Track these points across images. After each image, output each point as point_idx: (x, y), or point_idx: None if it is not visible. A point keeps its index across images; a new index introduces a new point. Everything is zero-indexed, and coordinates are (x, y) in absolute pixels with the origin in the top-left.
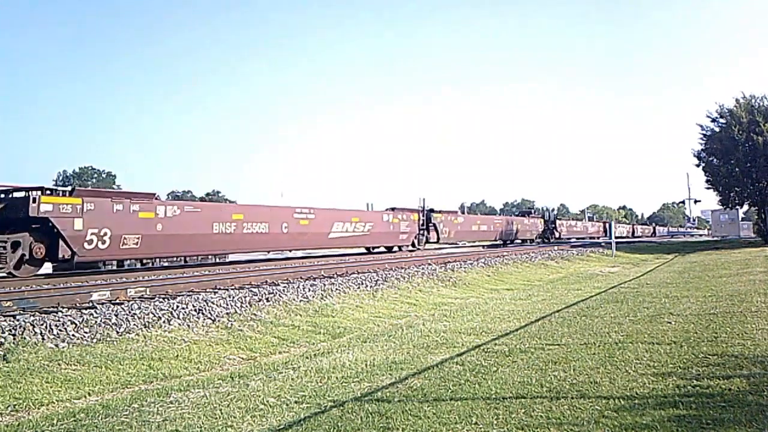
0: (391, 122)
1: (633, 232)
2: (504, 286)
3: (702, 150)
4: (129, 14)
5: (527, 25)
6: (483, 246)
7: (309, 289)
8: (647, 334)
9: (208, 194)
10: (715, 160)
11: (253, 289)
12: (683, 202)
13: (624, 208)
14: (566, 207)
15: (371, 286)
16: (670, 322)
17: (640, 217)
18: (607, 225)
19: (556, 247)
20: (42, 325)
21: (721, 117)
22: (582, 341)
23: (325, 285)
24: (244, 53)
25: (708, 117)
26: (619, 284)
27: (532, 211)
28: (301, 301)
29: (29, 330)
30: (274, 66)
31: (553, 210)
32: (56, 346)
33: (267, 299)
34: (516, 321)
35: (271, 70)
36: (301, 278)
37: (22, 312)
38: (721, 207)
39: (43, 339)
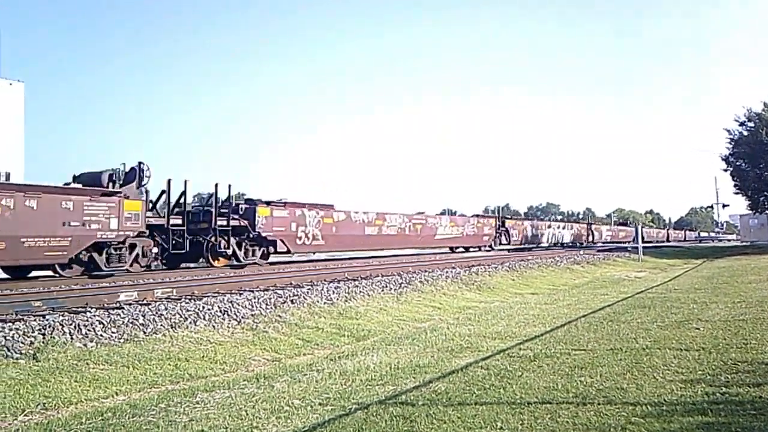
0: (414, 124)
1: (667, 237)
2: (529, 290)
3: (730, 154)
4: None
5: (547, 24)
6: (508, 250)
7: (333, 292)
8: (675, 340)
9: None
10: (743, 164)
11: (277, 291)
12: (711, 206)
13: (651, 212)
14: (592, 211)
15: (395, 289)
16: (698, 328)
17: (667, 222)
18: (636, 229)
19: (582, 251)
20: (71, 324)
21: (749, 120)
22: (609, 347)
23: (349, 287)
24: (266, 55)
25: (736, 121)
26: (647, 289)
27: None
28: (325, 303)
29: (58, 330)
30: (296, 68)
31: (578, 214)
32: (85, 345)
33: (291, 301)
34: (541, 325)
35: (292, 71)
36: (324, 281)
37: (51, 312)
38: (750, 211)
39: (71, 339)
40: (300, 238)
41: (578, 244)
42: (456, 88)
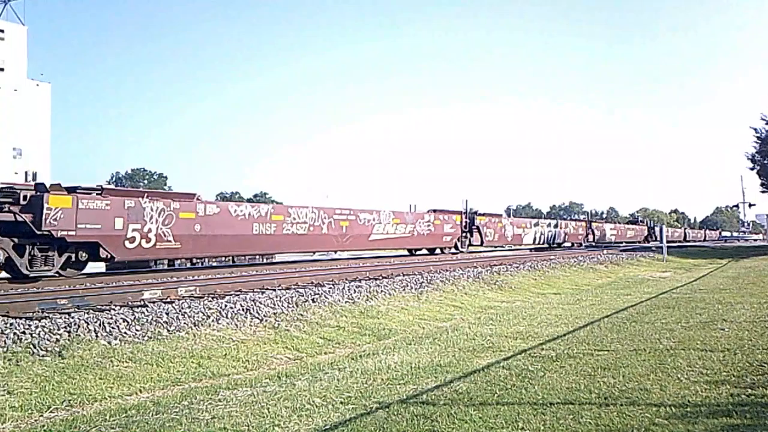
0: (437, 124)
1: (684, 237)
2: (551, 290)
3: (756, 152)
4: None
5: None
6: (530, 249)
7: (354, 291)
8: (700, 341)
9: (255, 195)
10: None
11: (299, 290)
12: (737, 205)
13: (676, 211)
14: (615, 210)
15: (416, 289)
16: (723, 329)
17: (692, 221)
18: (657, 228)
19: (605, 251)
20: (95, 322)
21: None
22: (632, 347)
23: (370, 287)
24: (264, 56)
25: (762, 119)
26: (671, 290)
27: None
28: (346, 302)
29: (83, 327)
30: (297, 68)
31: (601, 213)
32: (109, 343)
33: (313, 300)
34: (564, 326)
35: (293, 72)
36: (346, 279)
37: (76, 309)
38: None
39: (96, 336)
40: (132, 240)
41: (575, 245)
42: (480, 89)
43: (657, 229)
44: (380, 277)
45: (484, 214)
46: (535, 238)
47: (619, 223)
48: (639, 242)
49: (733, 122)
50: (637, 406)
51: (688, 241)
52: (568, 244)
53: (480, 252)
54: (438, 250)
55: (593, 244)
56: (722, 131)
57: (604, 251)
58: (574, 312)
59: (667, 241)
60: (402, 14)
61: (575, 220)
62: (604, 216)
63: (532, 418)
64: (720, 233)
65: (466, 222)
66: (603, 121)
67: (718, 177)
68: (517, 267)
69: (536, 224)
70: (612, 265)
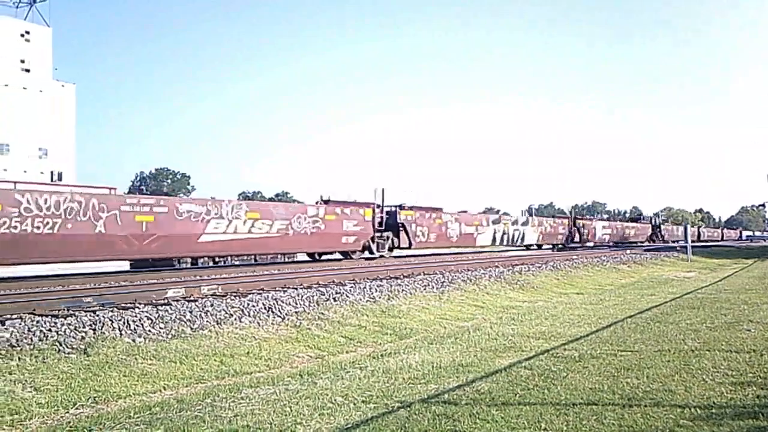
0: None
1: (698, 236)
2: (574, 290)
3: None
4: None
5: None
6: (552, 249)
7: (375, 290)
8: (725, 342)
9: (277, 194)
10: None
11: (320, 289)
12: (763, 204)
13: (701, 211)
14: (639, 209)
15: (437, 288)
16: (749, 330)
17: (717, 221)
18: (685, 227)
19: (628, 251)
20: (120, 320)
21: None
22: (656, 348)
23: (391, 286)
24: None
25: None
26: (695, 290)
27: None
28: (367, 301)
29: (108, 325)
30: (299, 68)
31: (624, 212)
32: (133, 341)
33: (334, 299)
34: (587, 326)
35: (295, 72)
36: (367, 279)
37: (101, 307)
38: None
39: (120, 334)
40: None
41: (555, 247)
42: (503, 86)
43: (668, 228)
44: (401, 276)
45: (413, 208)
46: (494, 239)
47: (616, 220)
48: (641, 243)
49: (761, 121)
50: (662, 407)
51: (702, 241)
52: (549, 247)
53: (414, 255)
54: (338, 255)
55: (580, 244)
56: (749, 130)
57: (627, 251)
58: (597, 312)
59: (673, 240)
60: (402, 14)
61: (559, 216)
62: (627, 215)
63: (554, 418)
64: (740, 232)
65: (381, 218)
66: (627, 120)
67: (745, 177)
68: (539, 267)
69: (496, 221)
70: (635, 265)
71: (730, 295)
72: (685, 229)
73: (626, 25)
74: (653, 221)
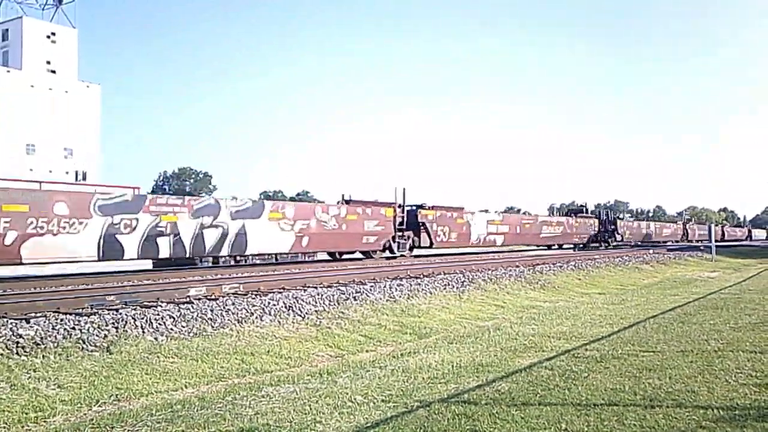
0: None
1: (722, 235)
2: (596, 290)
3: None
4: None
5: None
6: (573, 249)
7: (395, 289)
8: (749, 343)
9: (298, 194)
10: None
11: (340, 288)
12: None
13: (725, 210)
14: (662, 209)
15: (457, 287)
16: None
17: (742, 220)
18: (709, 226)
19: (651, 251)
20: (142, 318)
21: None
22: (679, 348)
23: (411, 285)
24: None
25: None
26: (719, 290)
27: (583, 210)
28: (387, 300)
29: (130, 323)
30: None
31: (647, 211)
32: (155, 339)
33: (354, 298)
34: (608, 326)
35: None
36: (387, 278)
37: (124, 306)
38: None
39: (143, 332)
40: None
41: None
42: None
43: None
44: (421, 276)
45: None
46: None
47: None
48: (575, 241)
49: None
50: (684, 408)
51: (725, 240)
52: (568, 245)
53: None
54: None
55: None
56: None
57: (650, 251)
58: (619, 312)
59: (663, 240)
60: (403, 15)
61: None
62: (650, 214)
63: (575, 419)
64: (749, 231)
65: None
66: (645, 118)
67: None
68: (560, 266)
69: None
70: (659, 265)
71: (755, 296)
72: (709, 228)
73: (645, 23)
74: (607, 216)
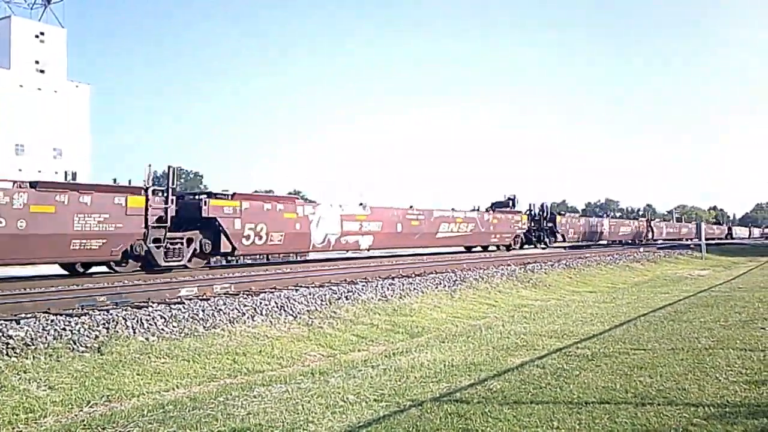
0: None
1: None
2: (586, 288)
3: None
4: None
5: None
6: (564, 247)
7: (387, 289)
8: (739, 340)
9: (289, 193)
10: None
11: (332, 288)
12: None
13: (714, 208)
14: (653, 207)
15: (449, 287)
16: (764, 328)
17: (731, 218)
18: (698, 225)
19: (642, 249)
20: (133, 319)
21: None
22: (669, 346)
23: (403, 284)
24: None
25: None
26: (710, 288)
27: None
28: (379, 300)
29: (121, 324)
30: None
31: (637, 210)
32: (146, 339)
33: (346, 297)
34: (599, 324)
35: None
36: (379, 277)
37: (115, 306)
38: None
39: (134, 333)
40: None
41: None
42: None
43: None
44: (413, 275)
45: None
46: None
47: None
48: (493, 246)
49: None
50: (675, 406)
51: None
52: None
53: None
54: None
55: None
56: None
57: (641, 249)
58: (610, 310)
59: (620, 240)
60: (403, 15)
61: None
62: (640, 212)
63: (567, 417)
64: (729, 229)
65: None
66: (637, 118)
67: (760, 174)
68: (551, 265)
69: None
70: (649, 263)
71: (745, 293)
72: (698, 226)
73: (641, 24)
74: (541, 212)
